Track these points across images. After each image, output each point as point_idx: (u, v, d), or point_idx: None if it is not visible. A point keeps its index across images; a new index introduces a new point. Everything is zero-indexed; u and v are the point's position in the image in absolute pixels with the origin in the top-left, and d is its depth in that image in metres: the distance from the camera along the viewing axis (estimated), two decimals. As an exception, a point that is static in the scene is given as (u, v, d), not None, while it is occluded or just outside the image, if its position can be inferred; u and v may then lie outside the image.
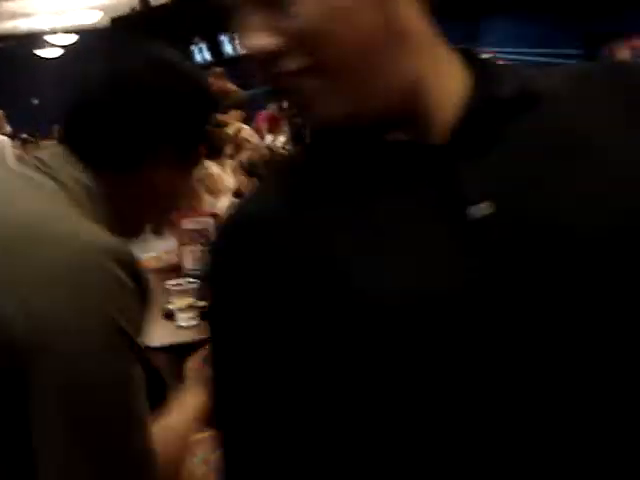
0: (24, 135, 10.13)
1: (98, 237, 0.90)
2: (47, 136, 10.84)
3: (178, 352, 2.23)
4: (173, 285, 2.41)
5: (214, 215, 2.94)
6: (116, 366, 0.87)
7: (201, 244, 2.89)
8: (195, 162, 1.13)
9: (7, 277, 0.86)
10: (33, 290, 0.85)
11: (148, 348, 2.31)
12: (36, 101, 13.41)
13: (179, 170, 1.09)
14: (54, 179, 0.97)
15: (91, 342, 0.85)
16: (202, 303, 2.49)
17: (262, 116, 9.68)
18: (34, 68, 13.75)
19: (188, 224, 2.93)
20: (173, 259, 3.01)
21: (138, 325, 0.90)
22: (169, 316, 2.40)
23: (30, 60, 13.73)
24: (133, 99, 1.02)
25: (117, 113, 1.02)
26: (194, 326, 2.34)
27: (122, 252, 0.90)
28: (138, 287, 0.90)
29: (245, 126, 5.79)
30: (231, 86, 6.88)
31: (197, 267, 2.90)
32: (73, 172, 0.99)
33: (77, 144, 1.02)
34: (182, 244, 2.94)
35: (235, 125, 5.75)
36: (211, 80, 8.55)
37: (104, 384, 0.86)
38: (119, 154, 1.03)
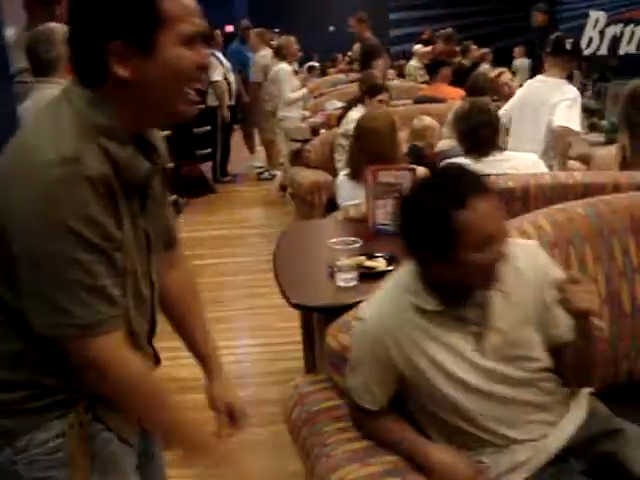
0: (312, 63, 10.43)
1: (61, 153, 1.09)
2: (333, 64, 11.11)
3: (330, 313, 2.12)
4: (335, 243, 2.29)
5: (410, 170, 2.77)
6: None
7: (394, 199, 2.74)
8: (160, 47, 1.13)
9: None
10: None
11: (304, 306, 2.26)
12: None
13: (147, 59, 1.13)
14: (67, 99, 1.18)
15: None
16: (367, 263, 2.36)
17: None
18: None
19: (383, 177, 2.79)
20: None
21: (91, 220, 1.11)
22: (331, 275, 2.29)
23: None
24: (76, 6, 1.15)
25: (73, 24, 1.16)
26: (352, 287, 2.22)
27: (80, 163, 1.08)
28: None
29: (507, 71, 5.41)
30: None
31: (386, 222, 2.77)
32: (75, 89, 1.18)
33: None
34: (375, 197, 2.81)
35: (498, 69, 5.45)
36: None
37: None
38: (83, 64, 1.16)
